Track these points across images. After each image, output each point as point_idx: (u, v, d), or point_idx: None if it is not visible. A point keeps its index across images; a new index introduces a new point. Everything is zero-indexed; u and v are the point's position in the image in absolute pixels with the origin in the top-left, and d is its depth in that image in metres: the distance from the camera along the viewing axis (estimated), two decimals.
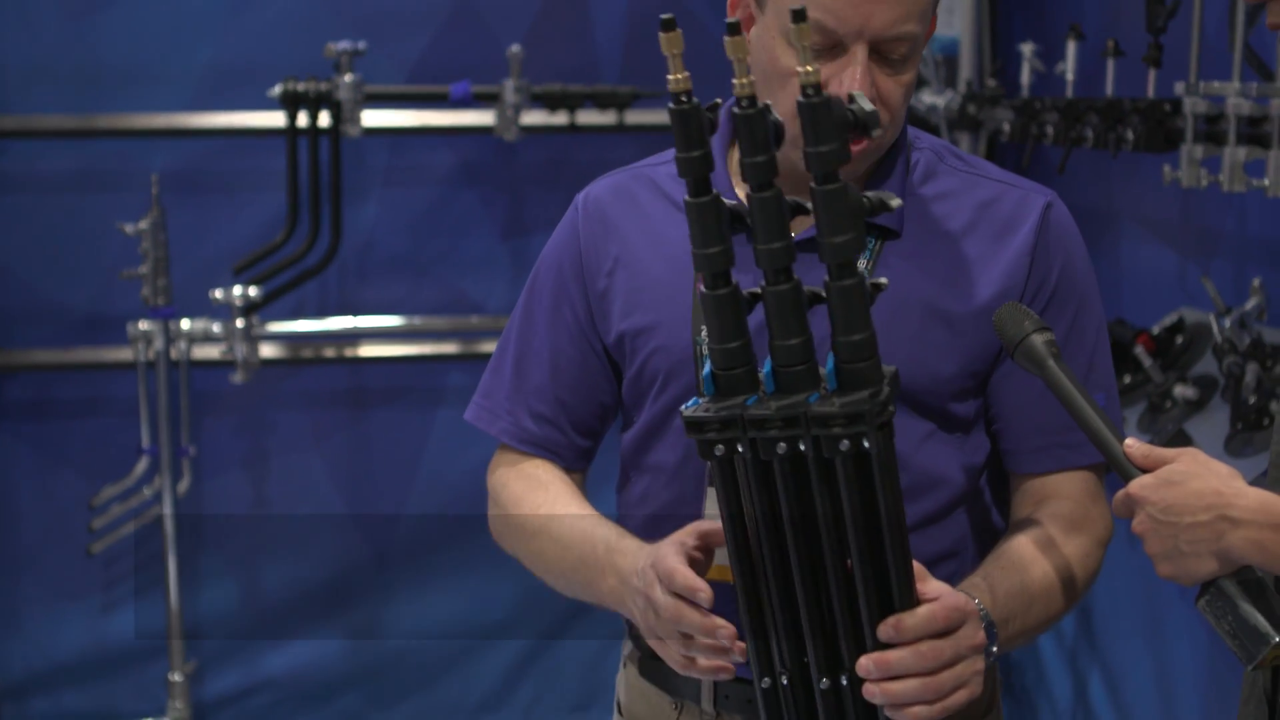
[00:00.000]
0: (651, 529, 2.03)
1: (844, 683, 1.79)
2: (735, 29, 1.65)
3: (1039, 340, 1.87)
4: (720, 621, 1.81)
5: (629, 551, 1.97)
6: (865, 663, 1.76)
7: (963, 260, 2.03)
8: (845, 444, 1.68)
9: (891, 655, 1.75)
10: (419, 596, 4.73)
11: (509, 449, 2.21)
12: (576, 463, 2.22)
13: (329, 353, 4.57)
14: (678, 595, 1.82)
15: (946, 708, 1.77)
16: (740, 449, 1.72)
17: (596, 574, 2.02)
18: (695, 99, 1.68)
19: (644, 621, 1.90)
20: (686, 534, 1.89)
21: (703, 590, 1.81)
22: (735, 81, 1.66)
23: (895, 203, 1.70)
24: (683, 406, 1.75)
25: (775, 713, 1.83)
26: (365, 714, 4.75)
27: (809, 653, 1.79)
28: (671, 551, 1.86)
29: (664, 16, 1.66)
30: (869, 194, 1.69)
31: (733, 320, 1.72)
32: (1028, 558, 1.99)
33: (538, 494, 2.15)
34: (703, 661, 1.85)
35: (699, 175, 1.70)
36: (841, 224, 1.66)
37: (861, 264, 2.00)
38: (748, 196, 1.69)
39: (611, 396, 2.19)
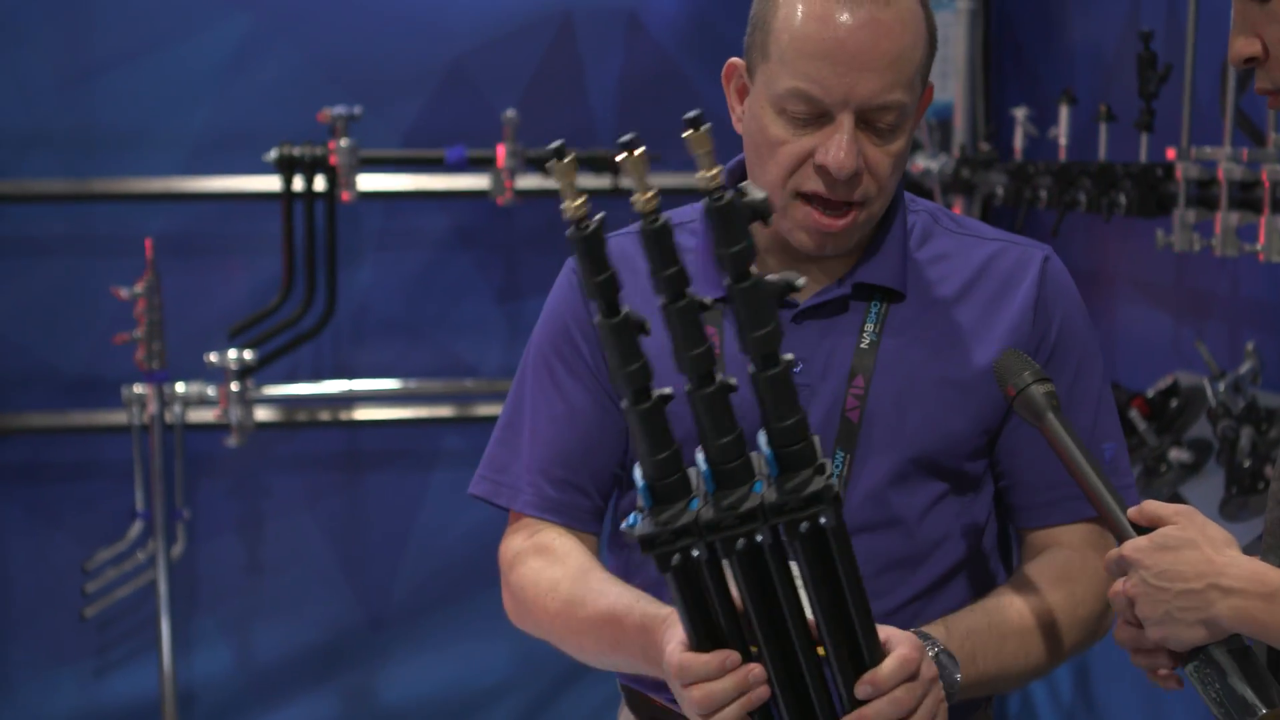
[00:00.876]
0: None
1: None
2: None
3: (1038, 391, 1.86)
4: (751, 669, 1.74)
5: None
6: None
7: (967, 319, 2.03)
8: (805, 525, 1.67)
9: (868, 711, 1.74)
10: (414, 659, 4.70)
11: (522, 518, 2.14)
12: (593, 525, 2.15)
13: (324, 416, 4.57)
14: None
15: None
16: (696, 553, 1.70)
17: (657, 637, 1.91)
18: (595, 224, 1.66)
19: None
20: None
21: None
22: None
23: (801, 281, 1.68)
24: (623, 525, 1.73)
25: None
26: None
27: None
28: (671, 642, 1.80)
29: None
30: (771, 278, 1.67)
31: (662, 431, 1.71)
32: (1004, 600, 1.99)
33: (556, 567, 2.07)
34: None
35: (609, 299, 1.68)
36: (762, 317, 1.66)
37: (869, 327, 2.01)
38: (663, 307, 1.67)
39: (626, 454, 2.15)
